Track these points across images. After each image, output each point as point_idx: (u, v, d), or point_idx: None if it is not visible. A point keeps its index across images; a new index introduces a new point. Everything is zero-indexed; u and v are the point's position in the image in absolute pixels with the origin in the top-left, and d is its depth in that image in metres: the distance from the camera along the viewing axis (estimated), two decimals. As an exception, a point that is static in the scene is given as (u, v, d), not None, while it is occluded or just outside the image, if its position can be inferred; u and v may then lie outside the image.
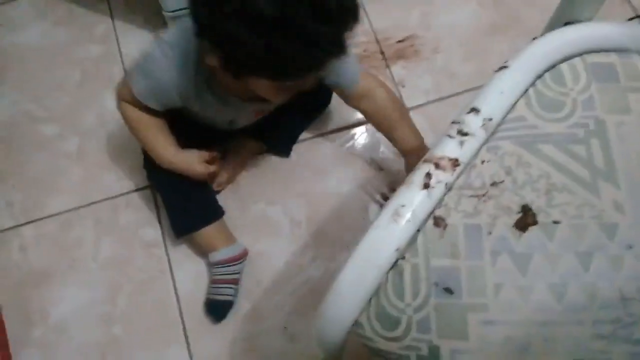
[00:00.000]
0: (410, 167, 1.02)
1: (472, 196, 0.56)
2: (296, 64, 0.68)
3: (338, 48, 0.69)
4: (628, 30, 0.63)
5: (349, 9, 0.67)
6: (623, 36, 0.63)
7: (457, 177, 0.57)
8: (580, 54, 0.63)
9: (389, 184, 1.16)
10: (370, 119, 1.01)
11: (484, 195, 0.56)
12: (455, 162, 0.57)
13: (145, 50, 0.87)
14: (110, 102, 1.24)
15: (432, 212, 0.56)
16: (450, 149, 0.57)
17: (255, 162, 1.18)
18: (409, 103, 1.22)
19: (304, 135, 1.19)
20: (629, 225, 0.54)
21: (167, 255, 1.11)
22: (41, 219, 1.15)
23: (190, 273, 1.10)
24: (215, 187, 1.13)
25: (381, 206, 1.12)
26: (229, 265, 1.05)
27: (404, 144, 1.01)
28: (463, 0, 1.32)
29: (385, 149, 1.18)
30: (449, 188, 0.57)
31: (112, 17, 1.33)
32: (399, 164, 1.16)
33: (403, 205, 0.55)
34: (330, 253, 1.10)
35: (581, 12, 0.64)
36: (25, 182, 1.18)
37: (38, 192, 1.17)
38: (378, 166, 1.17)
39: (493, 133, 0.59)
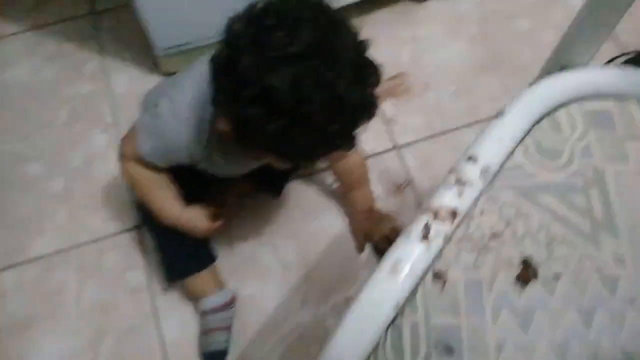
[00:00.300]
0: (356, 225, 1.12)
1: (471, 249, 0.54)
2: (304, 151, 0.69)
3: (348, 142, 0.69)
4: (624, 75, 0.62)
5: (366, 107, 0.67)
6: (619, 82, 0.62)
7: (456, 228, 0.55)
8: (576, 100, 0.62)
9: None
10: (337, 175, 1.09)
11: (483, 247, 0.54)
12: (453, 213, 0.55)
13: (150, 105, 0.85)
14: (97, 141, 1.23)
15: (431, 266, 0.54)
16: (448, 198, 0.56)
17: (244, 202, 1.16)
18: (400, 140, 1.21)
19: (294, 174, 1.17)
20: (630, 279, 0.53)
21: (153, 300, 1.08)
22: (23, 263, 1.11)
23: (176, 319, 1.06)
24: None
25: (373, 248, 1.10)
26: (221, 312, 1.02)
27: (357, 203, 1.10)
28: (452, 38, 1.33)
29: (377, 187, 1.16)
30: (447, 240, 0.55)
31: (101, 55, 1.32)
32: (391, 203, 1.15)
33: (401, 259, 0.53)
34: (321, 296, 1.07)
35: (577, 56, 0.63)
36: (8, 224, 1.15)
37: (21, 235, 1.14)
38: (369, 206, 1.15)
39: (491, 182, 0.58)
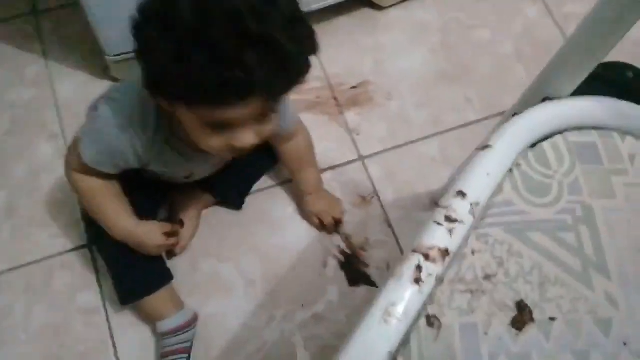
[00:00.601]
0: (308, 207, 1.10)
1: (465, 291, 0.53)
2: (205, 85, 0.60)
3: (255, 80, 0.60)
4: (607, 106, 0.62)
5: (286, 53, 0.60)
6: (602, 113, 0.62)
7: (447, 269, 0.54)
8: (561, 132, 0.61)
9: (346, 237, 1.11)
10: (284, 157, 1.05)
11: (477, 290, 0.53)
12: (445, 252, 0.53)
13: (92, 111, 0.80)
14: (43, 151, 1.15)
15: (424, 309, 0.52)
16: (439, 238, 0.54)
17: (204, 216, 1.11)
18: (364, 151, 1.19)
19: (256, 186, 1.14)
20: (622, 320, 0.52)
21: (109, 322, 1.02)
22: (-37, 285, 1.03)
23: (134, 342, 1.01)
24: (177, 250, 1.06)
25: (339, 262, 1.08)
26: (179, 334, 0.97)
27: (307, 185, 1.09)
28: (414, 47, 1.31)
29: (342, 199, 1.14)
30: (440, 281, 0.53)
31: (45, 58, 1.23)
32: (356, 215, 1.13)
33: (393, 304, 0.51)
34: (287, 314, 1.05)
35: (561, 88, 0.63)
36: (-55, 243, 1.06)
37: (-41, 254, 1.05)
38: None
39: (481, 218, 0.56)
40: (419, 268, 0.53)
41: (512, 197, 0.57)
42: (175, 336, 0.97)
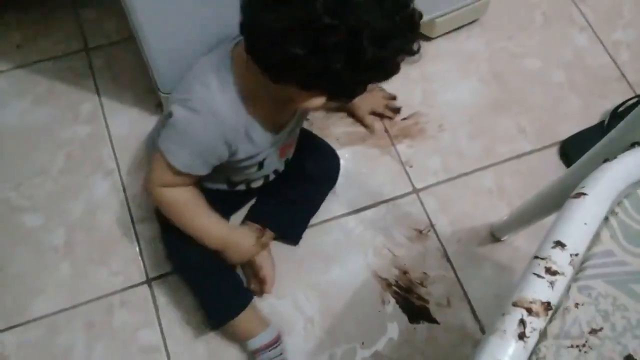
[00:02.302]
0: (360, 107, 1.21)
1: (571, 347, 0.52)
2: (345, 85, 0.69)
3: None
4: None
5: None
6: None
7: (550, 323, 0.52)
8: (653, 178, 0.60)
9: (404, 273, 1.10)
10: None
11: (584, 345, 0.52)
12: (547, 306, 0.52)
13: (166, 118, 0.81)
14: (99, 188, 1.15)
15: (529, 366, 0.51)
16: (540, 291, 0.53)
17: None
18: (418, 184, 1.18)
19: (312, 220, 1.13)
20: None
21: (169, 360, 1.02)
22: (24, 323, 1.03)
23: (195, 380, 1.01)
24: (267, 288, 1.05)
25: (397, 297, 1.07)
26: (273, 348, 0.99)
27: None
28: (463, 77, 1.31)
29: (398, 233, 1.13)
30: (543, 335, 0.52)
31: (98, 95, 1.24)
32: (413, 250, 1.12)
33: (499, 359, 0.50)
34: (348, 352, 1.03)
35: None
36: (6, 281, 1.06)
37: (20, 293, 1.05)
38: (391, 252, 1.12)
39: (581, 270, 0.55)
40: (522, 323, 0.52)
41: (612, 247, 0.56)
42: (270, 350, 0.98)
